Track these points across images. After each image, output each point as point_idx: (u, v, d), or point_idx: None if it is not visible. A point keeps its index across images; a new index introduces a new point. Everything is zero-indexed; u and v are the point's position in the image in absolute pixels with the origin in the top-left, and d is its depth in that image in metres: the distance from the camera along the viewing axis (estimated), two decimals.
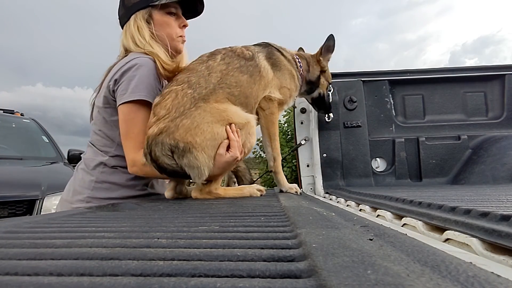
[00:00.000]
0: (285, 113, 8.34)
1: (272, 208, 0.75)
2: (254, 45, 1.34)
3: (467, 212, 0.55)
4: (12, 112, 3.78)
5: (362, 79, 1.84)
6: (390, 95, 1.87)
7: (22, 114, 3.82)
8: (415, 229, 0.61)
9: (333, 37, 1.49)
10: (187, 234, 0.45)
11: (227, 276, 0.28)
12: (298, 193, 1.31)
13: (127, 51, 1.13)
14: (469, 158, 1.73)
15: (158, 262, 0.31)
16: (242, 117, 1.13)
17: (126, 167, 1.09)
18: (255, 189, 1.16)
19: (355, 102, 1.80)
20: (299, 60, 1.44)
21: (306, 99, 1.61)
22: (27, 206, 2.33)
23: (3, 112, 3.65)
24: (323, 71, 1.51)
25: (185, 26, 1.19)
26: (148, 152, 1.01)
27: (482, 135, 1.78)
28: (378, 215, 0.79)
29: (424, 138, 1.79)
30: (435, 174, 1.75)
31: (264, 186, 8.41)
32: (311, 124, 1.79)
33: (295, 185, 1.36)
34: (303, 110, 1.84)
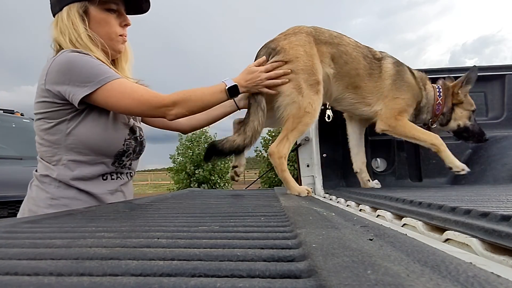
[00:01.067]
0: None
1: (272, 208, 0.75)
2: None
3: (467, 212, 0.55)
4: (12, 112, 3.78)
5: None
6: None
7: (22, 114, 3.83)
8: (415, 229, 0.61)
9: (476, 69, 1.51)
10: (187, 234, 0.45)
11: (227, 276, 0.28)
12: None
13: (61, 48, 0.98)
14: (469, 158, 1.73)
15: (158, 262, 0.31)
16: (319, 76, 1.27)
17: (83, 178, 0.98)
18: (304, 189, 1.23)
19: None
20: (440, 89, 1.50)
21: (448, 132, 1.59)
22: None
23: (3, 112, 3.65)
24: (459, 102, 1.50)
25: (126, 25, 1.07)
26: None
27: None
28: (378, 215, 0.79)
29: None
30: (435, 174, 1.75)
31: (264, 186, 8.43)
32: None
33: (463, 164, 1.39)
34: None
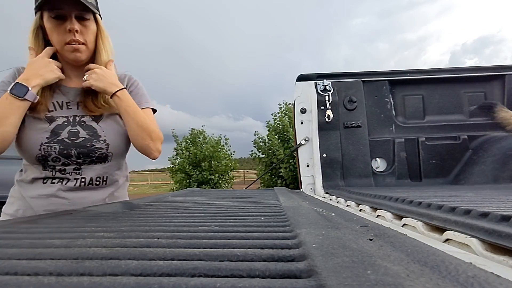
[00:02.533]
0: (280, 113, 8.44)
1: (272, 208, 0.75)
2: None
3: (467, 212, 0.55)
4: None
5: (362, 79, 1.84)
6: (390, 95, 1.87)
7: None
8: (415, 230, 0.61)
9: None
10: (187, 234, 0.45)
11: (227, 276, 0.28)
12: None
13: None
14: (469, 158, 1.73)
15: (158, 262, 0.31)
16: None
17: (23, 180, 1.01)
18: None
19: (355, 102, 1.80)
20: None
21: None
22: None
23: None
24: None
25: (70, 30, 0.90)
26: None
27: (482, 135, 1.78)
28: (378, 215, 0.79)
29: (424, 138, 1.79)
30: (435, 174, 1.75)
31: (263, 186, 8.43)
32: (311, 124, 1.79)
33: None
34: (303, 110, 1.84)
